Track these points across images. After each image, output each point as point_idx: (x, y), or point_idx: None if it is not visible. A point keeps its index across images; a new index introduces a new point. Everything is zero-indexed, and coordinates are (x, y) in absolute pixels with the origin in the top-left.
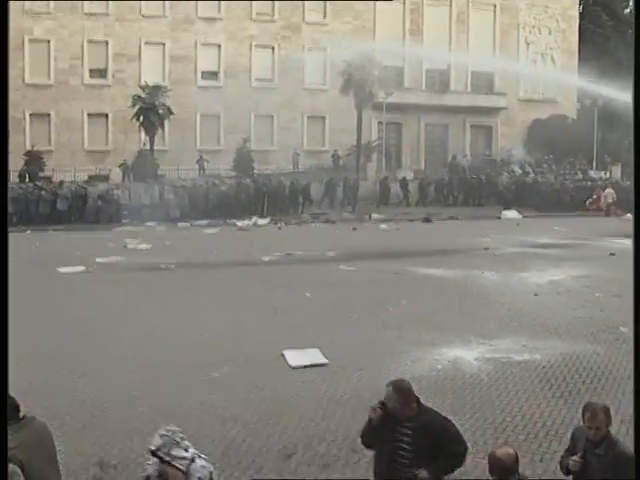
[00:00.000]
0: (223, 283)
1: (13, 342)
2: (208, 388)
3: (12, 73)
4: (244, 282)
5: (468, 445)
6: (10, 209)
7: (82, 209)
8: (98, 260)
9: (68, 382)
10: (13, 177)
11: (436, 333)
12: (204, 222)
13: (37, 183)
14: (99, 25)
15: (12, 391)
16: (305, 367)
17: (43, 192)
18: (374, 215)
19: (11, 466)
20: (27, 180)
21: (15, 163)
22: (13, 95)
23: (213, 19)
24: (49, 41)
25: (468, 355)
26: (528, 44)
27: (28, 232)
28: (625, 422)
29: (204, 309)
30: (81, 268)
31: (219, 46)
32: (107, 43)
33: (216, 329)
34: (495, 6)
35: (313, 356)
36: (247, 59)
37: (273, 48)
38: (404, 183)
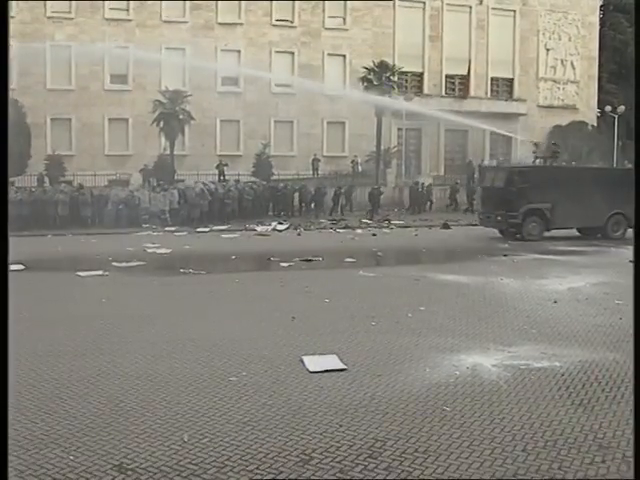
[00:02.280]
0: (242, 288)
1: (31, 344)
2: (227, 392)
3: (34, 79)
4: (263, 287)
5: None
6: (29, 212)
7: (102, 213)
8: (117, 264)
9: (86, 384)
10: (32, 181)
11: (454, 339)
12: (223, 227)
13: (58, 187)
14: (120, 31)
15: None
16: (323, 372)
17: (63, 196)
18: (394, 221)
19: None
20: (47, 184)
21: (36, 167)
22: (35, 100)
23: (233, 25)
24: (70, 47)
25: (486, 362)
26: (548, 50)
27: (49, 236)
28: None
29: (223, 313)
30: (100, 272)
31: (239, 52)
32: (127, 49)
33: (235, 333)
34: (515, 12)
35: (331, 362)
36: (267, 65)
37: (293, 54)
38: (425, 189)
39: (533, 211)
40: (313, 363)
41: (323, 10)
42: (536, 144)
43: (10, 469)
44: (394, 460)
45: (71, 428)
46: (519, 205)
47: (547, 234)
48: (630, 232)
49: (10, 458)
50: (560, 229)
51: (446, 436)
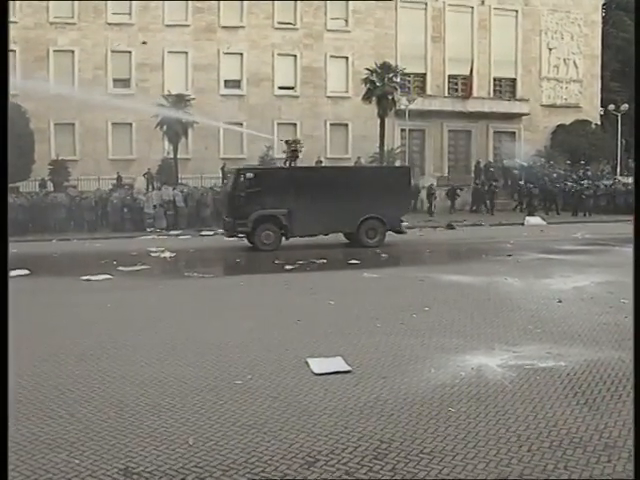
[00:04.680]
0: (247, 290)
1: (36, 348)
2: (232, 395)
3: (37, 83)
4: (268, 289)
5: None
6: (32, 217)
7: (106, 218)
8: (122, 268)
9: (92, 388)
10: (36, 186)
11: (459, 340)
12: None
13: (62, 192)
14: (122, 35)
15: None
16: (328, 374)
17: (66, 200)
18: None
19: None
20: (51, 189)
21: (40, 172)
22: (38, 105)
23: (235, 28)
24: (73, 51)
25: (491, 362)
26: (550, 49)
27: (54, 241)
28: None
29: (228, 316)
30: (105, 276)
31: (241, 55)
32: (130, 53)
33: (240, 336)
34: (517, 12)
35: (336, 364)
36: (270, 67)
37: (295, 56)
38: (429, 190)
39: (266, 218)
40: (318, 365)
41: (325, 12)
42: (287, 142)
43: (16, 473)
44: (399, 462)
45: (76, 432)
46: (249, 211)
47: (554, 234)
48: (393, 238)
49: (16, 462)
50: (302, 237)
51: (451, 437)
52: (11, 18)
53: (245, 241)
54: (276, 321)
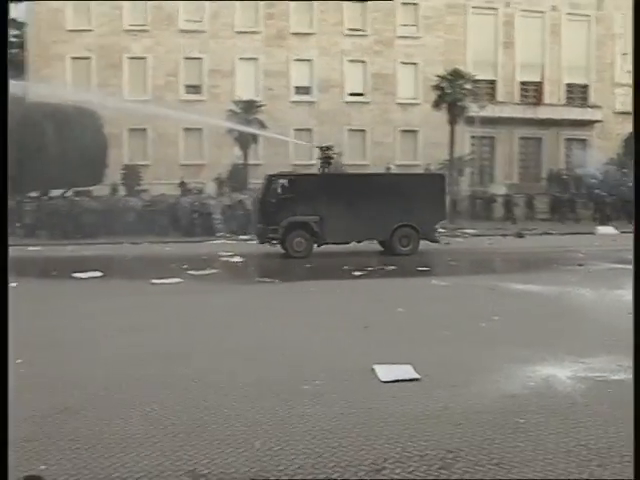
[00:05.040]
0: (317, 296)
1: (110, 350)
2: (299, 400)
3: (110, 89)
4: (337, 295)
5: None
6: (101, 220)
7: (177, 222)
8: (192, 272)
9: (163, 390)
10: (106, 190)
11: (528, 350)
12: None
13: (134, 196)
14: (194, 42)
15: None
16: (396, 382)
17: (139, 204)
18: (468, 230)
19: None
20: (123, 193)
21: (113, 177)
22: (112, 111)
23: (306, 34)
24: (146, 58)
25: (561, 373)
26: (624, 55)
27: (125, 244)
28: None
29: (296, 321)
30: (175, 280)
31: (311, 61)
32: (202, 59)
33: (308, 341)
34: (589, 17)
35: (404, 371)
36: (339, 74)
37: (365, 63)
38: (495, 198)
39: (298, 224)
40: (386, 372)
41: (395, 18)
42: (321, 148)
43: (86, 471)
44: (467, 471)
45: (146, 432)
46: (281, 218)
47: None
48: (426, 246)
49: (87, 460)
50: (334, 244)
51: (519, 448)
52: (87, 26)
53: (279, 248)
54: (344, 327)
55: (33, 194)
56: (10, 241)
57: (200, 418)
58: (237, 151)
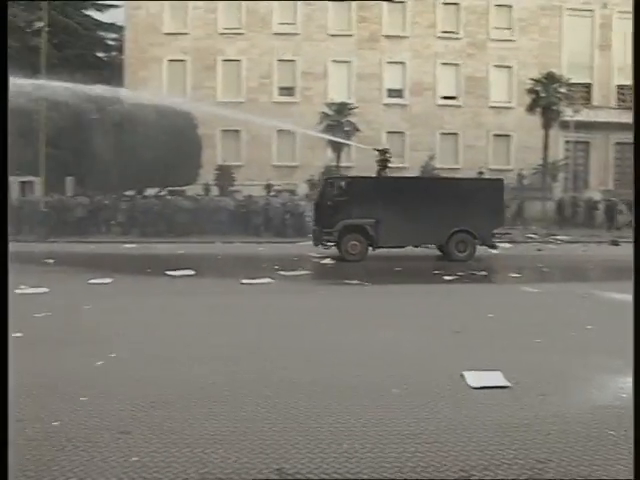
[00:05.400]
0: (406, 299)
1: (195, 346)
2: (387, 404)
3: (205, 91)
4: (427, 299)
5: None
6: (194, 219)
7: (270, 222)
8: (283, 273)
9: (248, 388)
10: (199, 189)
11: (622, 361)
12: None
13: (226, 196)
14: (288, 45)
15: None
16: (485, 389)
17: (232, 204)
18: (560, 236)
19: None
20: (216, 193)
21: (207, 177)
22: (206, 112)
23: (398, 37)
24: (240, 61)
25: None
26: None
27: (217, 243)
28: None
29: (384, 324)
30: (266, 280)
31: (404, 64)
32: (295, 62)
33: (397, 345)
34: None
35: (494, 378)
36: (432, 77)
37: (458, 65)
38: (592, 204)
39: (353, 227)
40: (475, 378)
41: (488, 21)
42: (380, 151)
43: (177, 465)
44: None
45: (234, 430)
46: (336, 220)
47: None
48: (483, 252)
49: (177, 454)
50: (389, 248)
51: (611, 461)
52: (183, 30)
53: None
54: (435, 331)
55: (129, 193)
56: (106, 239)
57: (289, 417)
58: (329, 153)
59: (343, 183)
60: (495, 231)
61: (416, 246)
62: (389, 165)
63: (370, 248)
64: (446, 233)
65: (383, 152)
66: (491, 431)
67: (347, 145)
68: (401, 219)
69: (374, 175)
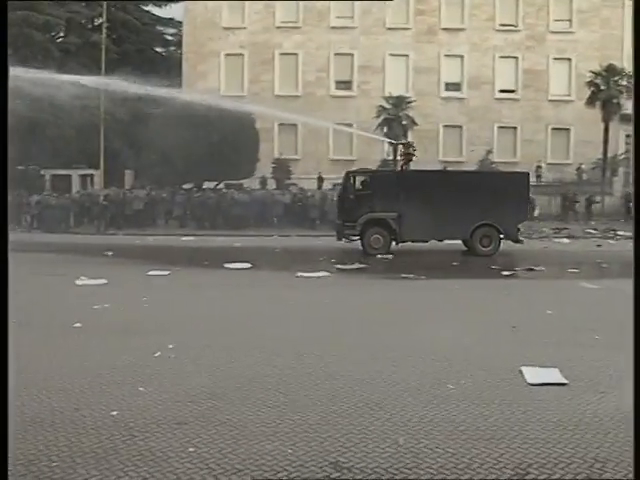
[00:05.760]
0: (462, 294)
1: (251, 338)
2: (444, 399)
3: (262, 85)
4: (484, 294)
5: None
6: (251, 212)
7: (326, 216)
8: (339, 266)
9: (310, 382)
10: (256, 183)
11: None
12: None
13: (283, 189)
14: (345, 38)
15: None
16: (543, 385)
17: (289, 198)
18: (620, 232)
19: None
20: (273, 186)
21: (264, 170)
22: (264, 106)
23: (456, 30)
24: (297, 55)
25: None
26: None
27: (275, 236)
28: None
29: (441, 319)
30: (323, 274)
31: (462, 57)
32: (352, 55)
33: (453, 340)
34: None
35: (552, 375)
36: (490, 70)
37: (517, 58)
38: None
39: (375, 221)
40: (533, 375)
41: (548, 13)
42: (404, 144)
43: (233, 456)
44: None
45: (291, 422)
46: (358, 214)
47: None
48: (507, 246)
49: (233, 446)
50: (412, 242)
51: None
52: (240, 24)
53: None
54: (491, 327)
55: (186, 186)
56: (164, 231)
57: (346, 411)
58: (386, 147)
59: (366, 177)
60: (554, 227)
61: (440, 240)
62: (413, 159)
63: (394, 243)
64: (470, 227)
65: (407, 146)
66: (548, 429)
67: (404, 139)
68: (424, 213)
69: (397, 169)
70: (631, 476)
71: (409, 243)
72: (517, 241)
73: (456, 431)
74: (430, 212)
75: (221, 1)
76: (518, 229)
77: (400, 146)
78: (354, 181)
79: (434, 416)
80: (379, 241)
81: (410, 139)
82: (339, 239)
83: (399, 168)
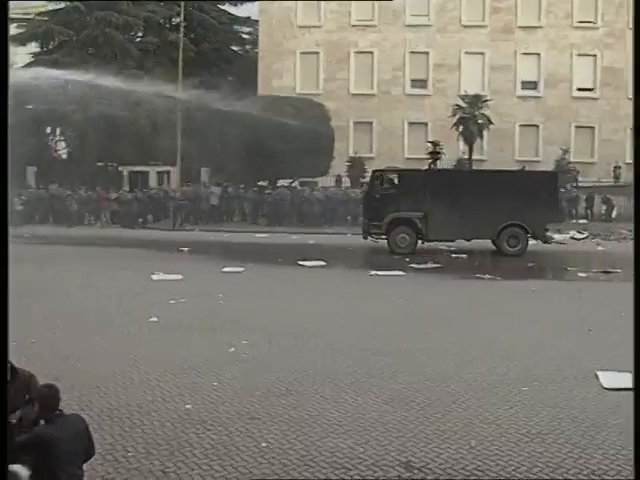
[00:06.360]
0: (537, 296)
1: (329, 339)
2: (518, 401)
3: (338, 84)
4: (559, 296)
5: None
6: (325, 210)
7: None
8: (414, 265)
9: (379, 381)
10: (330, 181)
11: None
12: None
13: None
14: (420, 36)
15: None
16: (619, 390)
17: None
18: None
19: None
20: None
21: (339, 168)
22: (338, 104)
23: (533, 28)
24: (373, 53)
25: None
26: None
27: (348, 235)
28: None
29: (516, 321)
30: (397, 272)
31: (539, 55)
32: (428, 54)
33: (527, 341)
34: None
35: (628, 379)
36: (568, 68)
37: (595, 56)
38: None
39: (401, 220)
40: (609, 379)
41: (627, 10)
42: (432, 143)
43: (304, 452)
44: None
45: (362, 422)
46: (384, 213)
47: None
48: (535, 246)
49: (305, 442)
50: (437, 241)
51: None
52: (316, 22)
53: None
54: (567, 329)
55: (261, 183)
56: (238, 228)
57: (418, 411)
58: (462, 146)
59: (392, 176)
60: (630, 228)
61: (468, 240)
62: (440, 158)
63: (420, 242)
64: (497, 227)
65: (434, 145)
66: (625, 433)
67: (480, 138)
68: (450, 212)
69: (424, 168)
70: (631, 476)
71: (485, 242)
72: (546, 241)
73: (529, 434)
74: (456, 211)
75: (296, 0)
76: (546, 229)
77: (429, 144)
78: (380, 180)
79: (507, 418)
80: (405, 240)
81: (486, 138)
82: (365, 238)
83: (426, 167)
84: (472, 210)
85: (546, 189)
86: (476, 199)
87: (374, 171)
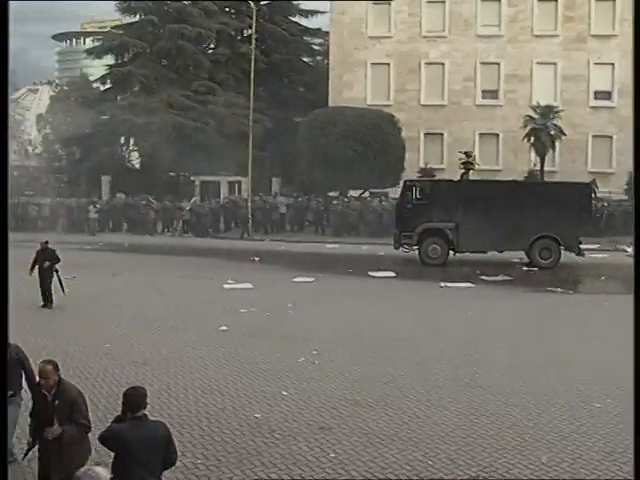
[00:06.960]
0: (607, 310)
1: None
2: (589, 418)
3: (408, 94)
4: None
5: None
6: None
7: None
8: (484, 278)
9: (449, 393)
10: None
11: None
12: (594, 246)
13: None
14: (491, 47)
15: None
16: None
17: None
18: None
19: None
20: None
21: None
22: (409, 115)
23: (607, 37)
24: (443, 64)
25: None
26: None
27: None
28: None
29: (587, 335)
30: (467, 284)
31: (613, 65)
32: (499, 64)
33: (599, 356)
34: None
35: None
36: None
37: None
38: None
39: (433, 231)
40: None
41: None
42: (465, 154)
43: (373, 464)
44: None
45: (432, 434)
46: (415, 224)
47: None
48: (569, 258)
49: (374, 454)
50: (470, 252)
51: None
52: (386, 33)
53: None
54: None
55: (331, 194)
56: (308, 238)
57: (487, 424)
58: (533, 157)
59: (424, 186)
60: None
61: (500, 251)
62: (473, 168)
63: (451, 253)
64: (529, 239)
65: (467, 155)
66: None
67: (552, 149)
68: (482, 224)
69: (456, 179)
70: (632, 476)
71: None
72: (579, 254)
73: (601, 452)
74: (488, 223)
75: (367, 6)
76: (580, 241)
77: (462, 154)
78: (412, 191)
79: (580, 434)
80: (436, 251)
81: (558, 149)
82: (396, 248)
83: (459, 178)
84: (504, 221)
85: (579, 201)
86: (509, 210)
87: (406, 181)
